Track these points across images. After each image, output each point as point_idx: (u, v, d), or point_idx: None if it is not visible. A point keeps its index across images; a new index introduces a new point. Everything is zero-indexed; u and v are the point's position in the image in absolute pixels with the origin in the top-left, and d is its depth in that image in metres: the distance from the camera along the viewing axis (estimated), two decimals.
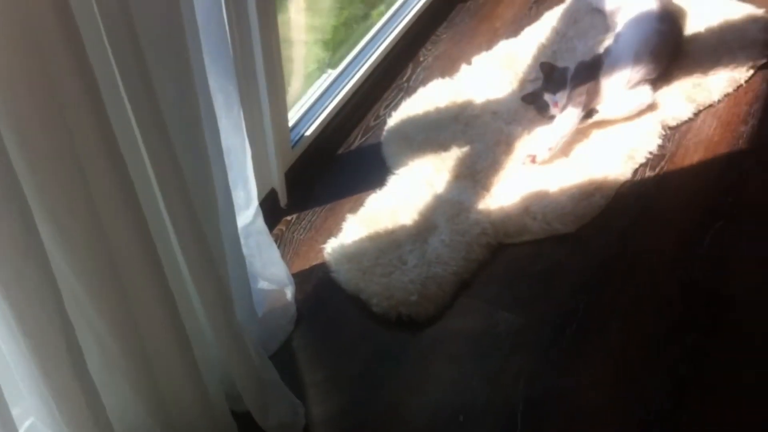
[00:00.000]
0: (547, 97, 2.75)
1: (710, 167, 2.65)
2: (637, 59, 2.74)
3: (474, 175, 2.65)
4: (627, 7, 2.96)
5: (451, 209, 2.53)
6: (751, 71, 2.91)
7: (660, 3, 2.90)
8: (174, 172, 1.48)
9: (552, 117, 2.75)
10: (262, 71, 2.28)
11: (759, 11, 3.08)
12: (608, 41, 2.99)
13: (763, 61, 2.94)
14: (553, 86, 2.75)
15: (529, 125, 2.79)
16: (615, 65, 2.76)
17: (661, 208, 2.56)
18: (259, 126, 2.38)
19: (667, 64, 2.85)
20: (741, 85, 2.89)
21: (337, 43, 3.33)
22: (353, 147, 2.84)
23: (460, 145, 2.73)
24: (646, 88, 2.76)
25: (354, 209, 2.60)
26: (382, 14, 3.23)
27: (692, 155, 2.69)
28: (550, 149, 2.63)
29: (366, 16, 3.44)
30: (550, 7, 3.28)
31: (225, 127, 1.84)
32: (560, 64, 2.98)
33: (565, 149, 2.69)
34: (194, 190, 1.57)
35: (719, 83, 2.86)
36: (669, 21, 2.89)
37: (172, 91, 1.45)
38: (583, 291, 2.35)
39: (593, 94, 2.71)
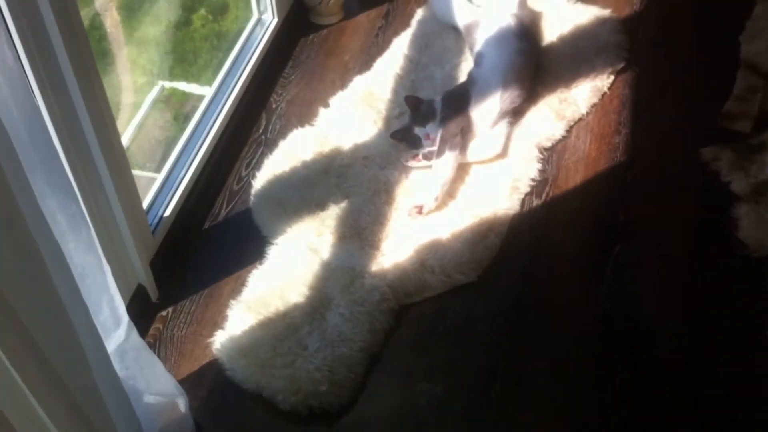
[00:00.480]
0: (417, 130, 2.58)
1: (595, 186, 2.59)
2: (505, 85, 2.62)
3: (359, 233, 2.44)
4: (483, 22, 2.82)
5: (343, 277, 2.31)
6: (612, 77, 2.88)
7: (516, 18, 2.79)
8: (23, 342, 1.18)
9: (428, 153, 2.62)
10: (103, 165, 1.98)
11: (605, 12, 3.06)
12: (469, 64, 2.84)
13: (621, 65, 2.88)
14: (422, 119, 2.58)
15: (405, 167, 2.60)
16: (484, 94, 2.63)
17: (557, 238, 2.46)
18: (110, 222, 2.08)
19: (531, 84, 2.74)
20: (605, 93, 2.85)
21: (178, 98, 3.01)
22: (220, 218, 2.56)
23: (337, 201, 2.52)
24: (503, 125, 2.65)
25: (236, 291, 2.33)
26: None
27: (574, 175, 2.61)
28: (436, 198, 2.45)
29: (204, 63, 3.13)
30: (396, 32, 3.12)
31: (74, 250, 1.56)
32: (420, 94, 2.83)
33: (450, 189, 2.52)
34: (50, 350, 1.29)
35: (584, 94, 2.80)
36: (528, 37, 2.80)
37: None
38: (499, 343, 2.23)
39: (467, 131, 2.57)
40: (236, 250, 2.49)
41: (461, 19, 2.93)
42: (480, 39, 2.81)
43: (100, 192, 2.02)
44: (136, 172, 2.29)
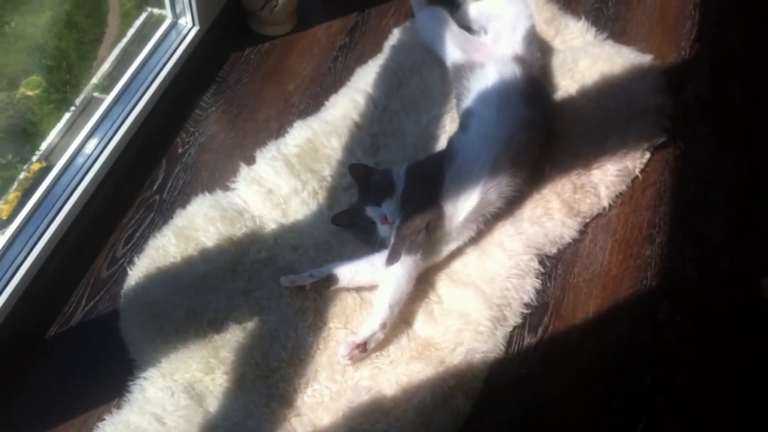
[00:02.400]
0: (370, 211, 1.76)
1: (614, 322, 1.82)
2: (495, 168, 1.80)
3: (267, 376, 1.66)
4: (481, 65, 1.98)
5: None
6: (648, 155, 2.06)
7: (522, 66, 1.96)
8: None
9: (382, 242, 1.83)
10: None
11: (644, 58, 2.21)
12: (455, 119, 2.01)
13: (661, 139, 2.06)
14: (375, 194, 1.76)
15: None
16: (463, 175, 1.80)
17: (555, 407, 1.67)
18: None
19: (533, 169, 1.92)
20: (636, 178, 2.02)
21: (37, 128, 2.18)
22: (74, 321, 1.76)
23: (241, 320, 1.72)
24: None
25: None
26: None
27: (586, 302, 1.81)
28: (382, 326, 1.65)
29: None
30: (361, 58, 2.28)
31: None
32: (382, 154, 2.02)
33: (405, 314, 1.71)
34: None
35: (608, 179, 2.00)
36: (538, 100, 1.97)
37: None
38: None
39: (435, 226, 1.75)
40: (88, 378, 1.69)
41: (451, 54, 2.08)
42: (472, 89, 1.97)
43: None
44: None
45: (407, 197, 1.81)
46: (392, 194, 1.81)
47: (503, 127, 1.85)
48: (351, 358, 1.67)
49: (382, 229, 1.82)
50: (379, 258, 1.77)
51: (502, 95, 1.91)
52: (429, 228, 1.77)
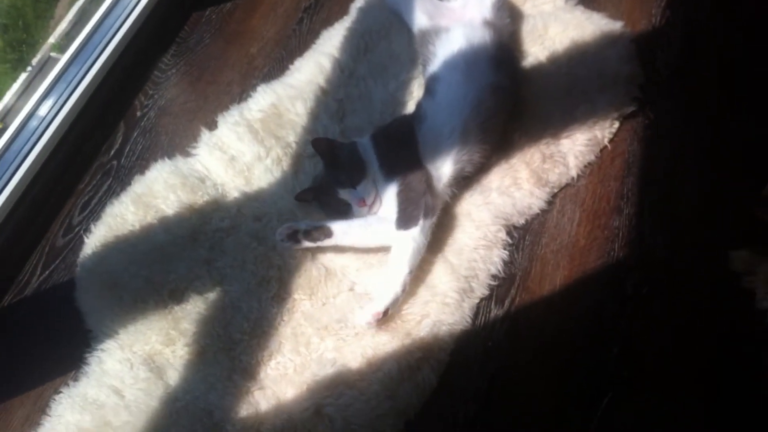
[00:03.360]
0: (345, 194, 1.72)
1: (581, 294, 1.80)
2: (465, 134, 1.75)
3: (229, 348, 1.61)
4: (447, 30, 1.93)
5: (193, 426, 1.46)
6: (616, 124, 2.03)
7: (492, 30, 1.91)
8: None
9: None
10: None
11: (615, 25, 2.17)
12: (419, 91, 1.97)
13: (631, 108, 2.03)
14: (347, 175, 1.72)
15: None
16: (434, 141, 1.76)
17: (520, 376, 1.67)
18: None
19: (502, 135, 1.88)
20: (605, 148, 1.99)
21: None
22: (29, 291, 1.70)
23: (202, 290, 1.67)
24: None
25: (32, 421, 1.55)
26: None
27: (553, 273, 1.79)
28: (403, 290, 1.70)
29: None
30: (328, 20, 2.21)
31: None
32: (348, 120, 1.96)
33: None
34: None
35: (577, 148, 1.96)
36: (508, 66, 1.92)
37: None
38: None
39: (430, 187, 1.75)
40: (43, 350, 1.64)
41: (416, 19, 2.03)
42: (438, 54, 1.92)
43: None
44: None
45: (390, 164, 1.76)
46: (365, 174, 1.76)
47: (471, 91, 1.81)
48: (370, 325, 1.65)
49: (359, 211, 1.77)
50: (375, 220, 1.73)
51: (469, 60, 1.86)
52: (429, 189, 1.73)
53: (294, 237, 1.71)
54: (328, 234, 1.71)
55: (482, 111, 1.79)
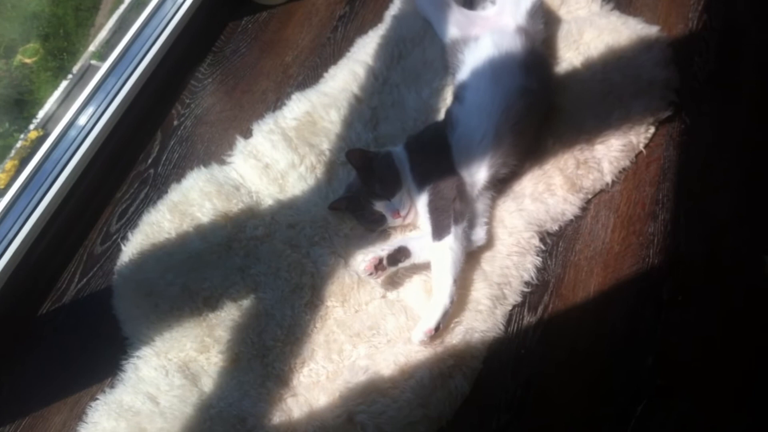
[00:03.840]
0: (380, 206, 1.73)
1: (615, 301, 1.78)
2: (497, 139, 1.76)
3: (263, 355, 1.64)
4: (477, 38, 1.93)
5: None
6: (652, 129, 2.01)
7: (524, 36, 1.91)
8: None
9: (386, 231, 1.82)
10: None
11: (651, 30, 2.15)
12: (451, 98, 1.97)
13: (667, 113, 2.01)
14: (382, 186, 1.73)
15: (348, 252, 1.82)
16: (467, 146, 1.77)
17: (554, 387, 1.66)
18: None
19: (535, 139, 1.88)
20: (640, 153, 1.97)
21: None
22: (67, 299, 1.73)
23: (237, 297, 1.70)
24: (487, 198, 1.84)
25: (69, 427, 1.52)
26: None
27: (587, 280, 1.78)
28: (452, 301, 1.68)
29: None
30: (362, 28, 2.23)
31: None
32: (383, 126, 1.98)
33: (402, 292, 1.70)
34: None
35: (612, 154, 1.95)
36: (538, 70, 1.93)
37: None
38: None
39: (463, 194, 1.77)
40: (80, 357, 1.67)
41: (446, 30, 2.03)
42: (467, 61, 1.92)
43: None
44: None
45: (422, 172, 1.77)
46: (400, 185, 1.77)
47: (499, 95, 1.81)
48: (425, 343, 1.65)
49: (394, 222, 1.78)
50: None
51: (496, 66, 1.86)
52: (460, 195, 1.73)
53: (380, 266, 1.70)
54: (407, 254, 1.72)
55: (513, 114, 1.79)
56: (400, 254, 1.70)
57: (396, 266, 1.70)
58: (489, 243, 1.80)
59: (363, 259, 1.67)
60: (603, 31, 2.12)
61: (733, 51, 2.19)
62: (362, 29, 2.24)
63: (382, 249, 1.69)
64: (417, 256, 1.72)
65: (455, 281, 1.66)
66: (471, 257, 1.76)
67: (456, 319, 1.69)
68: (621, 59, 2.07)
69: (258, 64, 2.16)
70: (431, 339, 1.63)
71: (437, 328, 1.63)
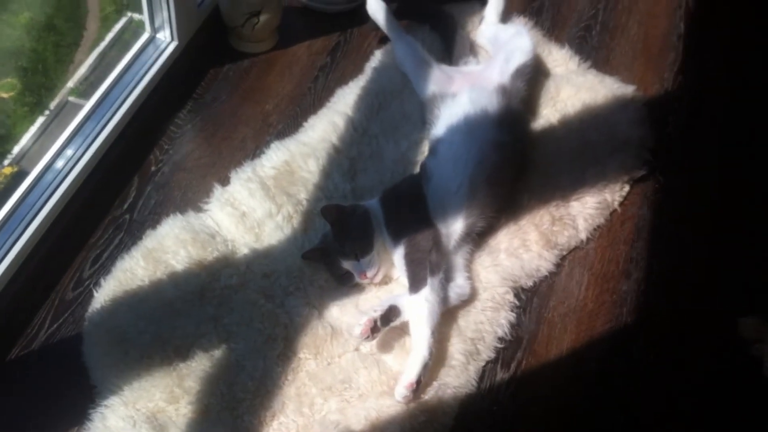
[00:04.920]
0: (347, 264, 1.72)
1: (588, 358, 1.78)
2: (472, 192, 1.77)
3: (233, 407, 1.62)
4: (455, 94, 1.96)
5: None
6: (627, 187, 2.04)
7: (502, 94, 1.93)
8: None
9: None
10: None
11: (627, 89, 2.19)
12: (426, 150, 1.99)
13: (641, 171, 2.04)
14: (353, 245, 1.72)
15: (322, 303, 1.81)
16: (443, 199, 1.81)
17: None
18: None
19: (509, 193, 1.89)
20: (615, 211, 2.00)
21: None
22: (36, 344, 1.71)
23: (208, 347, 1.68)
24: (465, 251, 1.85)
25: None
26: None
27: (560, 337, 1.79)
28: (430, 353, 1.67)
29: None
30: (342, 79, 2.25)
31: None
32: (361, 177, 1.99)
33: (377, 346, 1.69)
34: None
35: (587, 211, 1.96)
36: (512, 126, 1.95)
37: None
38: None
39: (439, 246, 1.78)
40: (48, 405, 1.65)
41: (423, 86, 2.07)
42: (443, 116, 1.94)
43: None
44: None
45: (397, 225, 1.78)
46: (371, 248, 1.77)
47: (473, 148, 1.84)
48: (408, 399, 1.62)
49: (361, 282, 1.79)
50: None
51: (470, 121, 1.89)
52: (436, 246, 1.73)
53: (375, 328, 1.68)
54: (398, 312, 1.71)
55: (487, 165, 1.81)
56: (391, 314, 1.69)
57: (388, 326, 1.69)
58: (469, 297, 1.80)
59: (357, 323, 1.66)
60: (580, 89, 2.15)
61: (707, 112, 2.23)
62: (343, 80, 2.26)
63: (374, 310, 1.68)
64: (407, 314, 1.72)
65: (433, 333, 1.65)
66: (447, 312, 1.75)
67: (432, 372, 1.68)
68: (597, 117, 2.11)
69: (238, 111, 2.17)
70: (414, 394, 1.61)
71: (419, 382, 1.61)
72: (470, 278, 1.81)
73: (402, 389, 1.60)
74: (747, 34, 2.50)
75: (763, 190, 2.11)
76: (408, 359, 1.65)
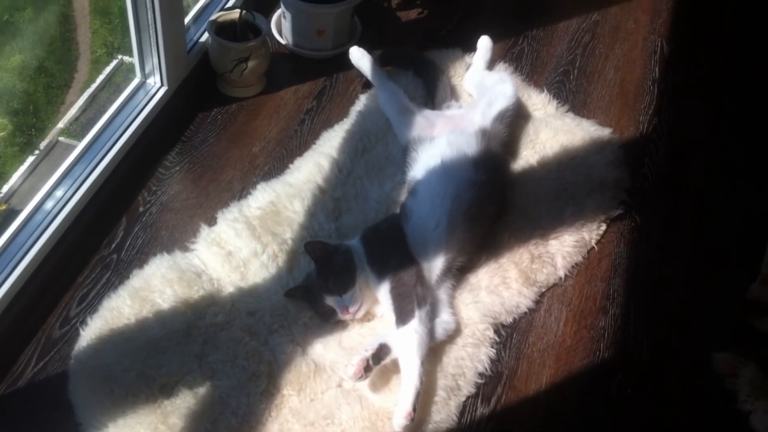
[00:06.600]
0: (330, 300, 1.76)
1: (566, 393, 1.81)
2: (451, 229, 1.82)
3: None
4: (434, 137, 2.02)
5: None
6: (603, 226, 2.09)
7: (481, 136, 2.00)
8: None
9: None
10: None
11: (604, 132, 2.26)
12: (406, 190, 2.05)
13: (618, 211, 2.10)
14: (336, 281, 1.77)
15: (306, 340, 1.84)
16: (422, 235, 1.85)
17: None
18: None
19: (487, 231, 1.94)
20: (592, 249, 2.05)
21: None
22: (22, 382, 1.73)
23: (193, 385, 1.72)
24: (446, 288, 1.90)
25: None
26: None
27: (539, 372, 1.83)
28: (421, 382, 1.70)
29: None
30: (328, 122, 2.31)
31: None
32: (345, 217, 2.03)
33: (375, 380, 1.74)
34: None
35: (564, 250, 2.02)
36: (489, 166, 2.01)
37: None
38: None
39: (422, 280, 1.81)
40: None
41: (403, 130, 2.14)
42: (421, 159, 2.01)
43: None
44: None
45: (380, 262, 1.81)
46: (353, 284, 1.81)
47: (450, 186, 1.90)
48: (408, 429, 1.65)
49: (343, 317, 1.82)
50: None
51: (447, 162, 1.95)
52: (420, 280, 1.78)
53: (367, 367, 1.71)
54: (388, 351, 1.74)
55: (464, 202, 1.87)
56: (382, 352, 1.72)
57: (380, 364, 1.73)
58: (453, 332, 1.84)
59: (349, 363, 1.69)
60: (558, 131, 2.22)
61: (682, 153, 2.30)
62: (328, 123, 2.32)
63: (365, 350, 1.71)
64: (396, 350, 1.75)
65: (422, 363, 1.69)
66: (432, 348, 1.79)
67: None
68: (575, 159, 2.17)
69: (226, 153, 2.22)
70: (412, 422, 1.64)
71: (414, 410, 1.65)
72: (455, 314, 1.85)
73: (401, 420, 1.63)
74: (720, 78, 2.59)
75: (737, 229, 2.17)
76: (400, 391, 1.68)
